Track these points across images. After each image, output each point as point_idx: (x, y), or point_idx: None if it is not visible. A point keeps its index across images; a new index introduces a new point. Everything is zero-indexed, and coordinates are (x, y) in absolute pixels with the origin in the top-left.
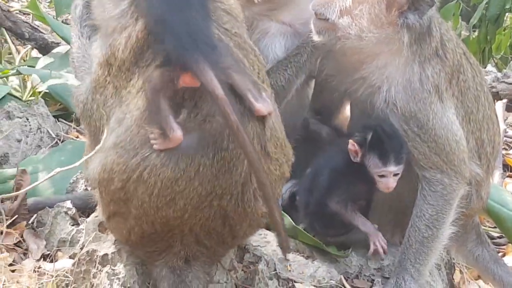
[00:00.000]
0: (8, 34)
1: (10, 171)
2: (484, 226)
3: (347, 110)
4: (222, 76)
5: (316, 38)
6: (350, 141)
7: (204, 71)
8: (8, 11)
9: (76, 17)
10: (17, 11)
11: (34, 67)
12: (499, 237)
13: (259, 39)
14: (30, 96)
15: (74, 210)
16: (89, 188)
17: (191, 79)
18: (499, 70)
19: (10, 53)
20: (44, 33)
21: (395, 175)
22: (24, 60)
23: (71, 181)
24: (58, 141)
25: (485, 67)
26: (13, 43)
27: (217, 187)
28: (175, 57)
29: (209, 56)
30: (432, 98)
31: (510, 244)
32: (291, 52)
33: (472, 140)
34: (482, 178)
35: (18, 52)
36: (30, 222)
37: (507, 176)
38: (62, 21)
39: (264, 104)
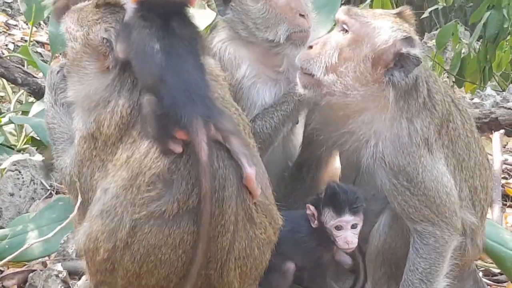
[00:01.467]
0: None
1: (1, 232)
2: (484, 262)
3: (337, 162)
4: (218, 137)
5: (301, 92)
6: (307, 205)
7: (197, 131)
8: (1, 57)
9: (52, 83)
10: (9, 57)
11: (28, 112)
12: (500, 274)
13: (249, 86)
14: (24, 144)
15: (65, 273)
16: None
17: (184, 135)
18: (501, 87)
19: (4, 96)
20: (37, 78)
21: (353, 227)
22: (20, 103)
23: (62, 241)
24: (52, 192)
25: (484, 88)
26: (9, 86)
27: None
28: (173, 114)
29: (207, 117)
30: (421, 151)
31: (510, 282)
32: (279, 99)
33: (466, 188)
34: (477, 226)
35: (15, 93)
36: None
37: (508, 207)
38: None
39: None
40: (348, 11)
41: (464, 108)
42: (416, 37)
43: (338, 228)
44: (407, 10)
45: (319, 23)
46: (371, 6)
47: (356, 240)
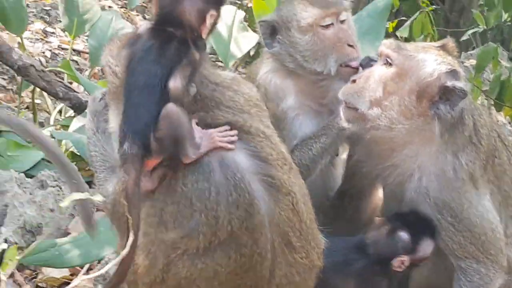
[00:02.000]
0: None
1: (50, 241)
2: None
3: (379, 192)
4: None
5: (345, 126)
6: (395, 261)
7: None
8: (43, 70)
9: (93, 110)
10: (51, 70)
11: (68, 126)
12: None
13: (293, 117)
14: None
15: None
16: None
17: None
18: None
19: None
20: (78, 92)
21: None
22: (60, 114)
23: (104, 261)
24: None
25: None
26: (50, 99)
27: (241, 286)
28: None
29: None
30: (466, 187)
31: None
32: (318, 132)
33: (511, 225)
34: None
35: (55, 107)
36: None
37: None
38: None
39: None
40: (391, 44)
41: (510, 144)
42: (460, 70)
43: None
44: (450, 43)
45: (362, 51)
46: (411, 29)
47: None
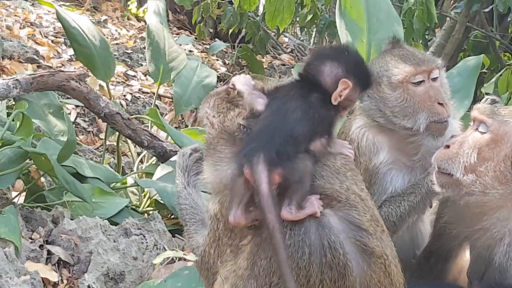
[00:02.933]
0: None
1: None
2: None
3: (466, 254)
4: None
5: (438, 190)
6: None
7: (257, 167)
8: (128, 119)
9: (184, 165)
10: (137, 118)
11: (152, 174)
12: None
13: (385, 172)
14: (147, 206)
15: None
16: None
17: (249, 173)
18: None
19: (127, 155)
20: (163, 141)
21: None
22: (142, 162)
23: None
24: (174, 258)
25: None
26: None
27: None
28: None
29: (268, 154)
30: None
31: None
32: (407, 189)
33: None
34: None
35: (137, 153)
36: None
37: None
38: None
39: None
40: (486, 110)
41: None
42: None
43: None
44: None
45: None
46: (496, 85)
47: None
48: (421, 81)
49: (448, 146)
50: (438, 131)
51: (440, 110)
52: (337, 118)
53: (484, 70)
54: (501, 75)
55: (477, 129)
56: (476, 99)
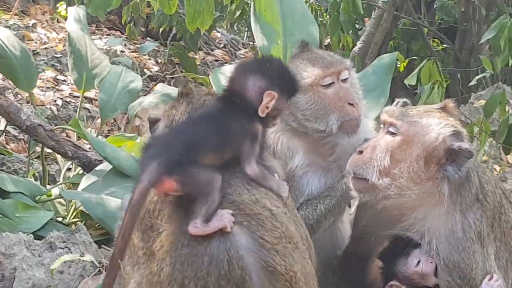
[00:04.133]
0: None
1: None
2: None
3: None
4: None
5: (355, 196)
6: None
7: (145, 173)
8: (51, 130)
9: None
10: (61, 128)
11: (78, 184)
12: None
13: (301, 175)
14: (74, 217)
15: None
16: None
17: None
18: None
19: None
20: (87, 151)
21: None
22: (70, 170)
23: None
24: (101, 269)
25: None
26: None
27: None
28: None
29: (163, 161)
30: (475, 247)
31: None
32: (323, 192)
33: None
34: None
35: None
36: None
37: None
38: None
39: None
40: (394, 112)
41: None
42: (463, 130)
43: (417, 264)
44: (450, 103)
45: (368, 107)
46: (418, 77)
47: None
48: (330, 83)
49: (361, 152)
50: (351, 129)
51: (350, 110)
52: (266, 129)
53: (414, 57)
54: (423, 66)
55: (387, 132)
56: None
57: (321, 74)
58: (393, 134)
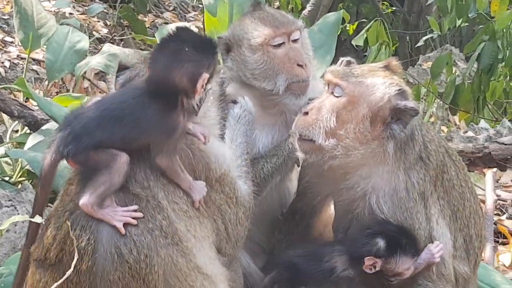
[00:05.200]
0: None
1: None
2: None
3: (331, 209)
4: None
5: (301, 156)
6: (367, 258)
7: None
8: None
9: None
10: (6, 88)
11: (24, 143)
12: None
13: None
14: (20, 176)
15: None
16: None
17: None
18: (494, 117)
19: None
20: (33, 110)
21: None
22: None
23: None
24: None
25: (478, 118)
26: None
27: None
28: None
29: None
30: (418, 207)
31: None
32: (270, 151)
33: (460, 238)
34: (469, 276)
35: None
36: None
37: (500, 244)
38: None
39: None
40: (339, 73)
41: (458, 158)
42: (407, 88)
43: (409, 268)
44: (393, 61)
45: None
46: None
47: None
48: (281, 43)
49: (306, 113)
50: (299, 90)
51: (299, 72)
52: (192, 117)
53: (363, 20)
54: (370, 27)
55: (332, 92)
56: (353, 53)
57: (271, 34)
58: (338, 95)
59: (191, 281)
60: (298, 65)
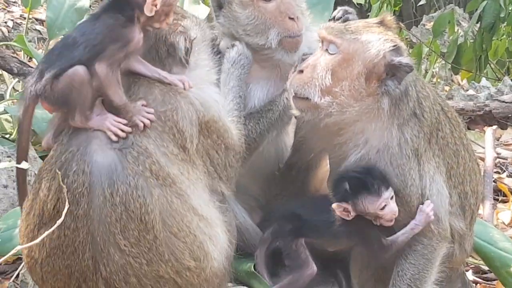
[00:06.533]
0: None
1: None
2: (474, 259)
3: (327, 164)
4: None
5: (296, 114)
6: (334, 205)
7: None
8: None
9: None
10: (4, 46)
11: None
12: (490, 272)
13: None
14: None
15: None
16: None
17: None
18: (496, 76)
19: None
20: (33, 68)
21: (391, 198)
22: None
23: None
24: None
25: (480, 77)
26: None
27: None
28: None
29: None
30: (411, 164)
31: (499, 281)
32: (265, 106)
33: (455, 194)
34: (465, 232)
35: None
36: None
37: (500, 202)
38: None
39: None
40: (333, 30)
41: (453, 116)
42: (402, 44)
43: (382, 208)
44: (387, 17)
45: (312, 22)
46: None
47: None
48: None
49: (301, 71)
50: (291, 47)
51: (290, 25)
52: (148, 34)
53: None
54: None
55: (327, 49)
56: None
57: None
58: (333, 52)
59: (187, 222)
60: (290, 18)
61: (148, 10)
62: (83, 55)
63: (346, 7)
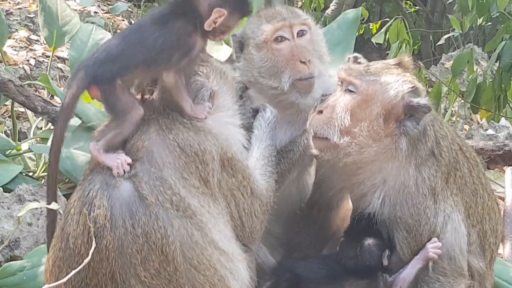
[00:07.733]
0: None
1: (18, 263)
2: None
3: (349, 203)
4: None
5: (316, 154)
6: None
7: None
8: (21, 85)
9: None
10: (31, 85)
11: (48, 139)
12: None
13: None
14: (43, 172)
15: None
16: None
17: None
18: None
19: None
20: (56, 106)
21: None
22: (40, 128)
23: None
24: None
25: (499, 116)
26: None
27: None
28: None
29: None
30: (427, 203)
31: None
32: (285, 146)
33: (474, 233)
34: (485, 271)
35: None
36: None
37: None
38: None
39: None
40: (353, 71)
41: (471, 155)
42: (420, 85)
43: None
44: (405, 58)
45: (332, 62)
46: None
47: None
48: (283, 39)
49: (321, 111)
50: (303, 89)
51: (301, 68)
52: (205, 44)
53: (386, 19)
54: (390, 25)
55: (346, 90)
56: (376, 52)
57: (271, 29)
58: (352, 92)
59: (208, 255)
60: (301, 61)
61: (208, 25)
62: (150, 61)
63: (356, 54)
